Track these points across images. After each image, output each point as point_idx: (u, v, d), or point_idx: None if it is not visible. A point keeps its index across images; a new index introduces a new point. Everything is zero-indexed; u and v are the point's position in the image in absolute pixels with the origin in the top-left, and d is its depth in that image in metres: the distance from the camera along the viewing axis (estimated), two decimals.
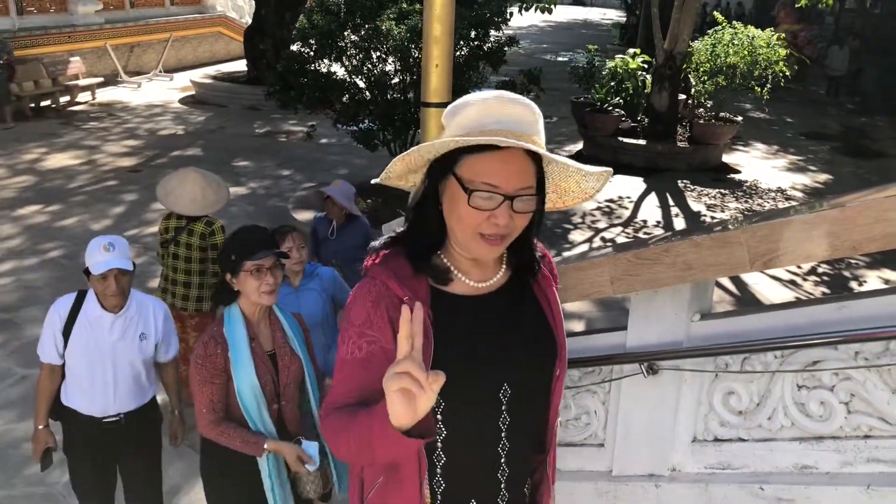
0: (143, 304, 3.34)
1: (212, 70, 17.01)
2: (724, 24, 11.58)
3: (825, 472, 2.72)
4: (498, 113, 1.53)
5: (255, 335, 2.92)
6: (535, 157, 1.57)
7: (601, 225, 8.80)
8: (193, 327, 4.62)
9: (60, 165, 10.05)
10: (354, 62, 7.71)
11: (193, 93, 15.17)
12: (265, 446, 2.89)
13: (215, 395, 2.85)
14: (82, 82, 14.03)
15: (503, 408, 1.67)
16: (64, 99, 13.60)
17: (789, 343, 2.69)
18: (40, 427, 3.31)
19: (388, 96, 7.68)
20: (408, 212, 1.76)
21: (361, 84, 7.84)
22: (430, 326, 1.56)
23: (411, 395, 1.32)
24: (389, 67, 7.69)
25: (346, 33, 7.57)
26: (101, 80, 14.73)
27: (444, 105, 3.54)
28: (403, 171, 1.77)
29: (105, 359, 3.19)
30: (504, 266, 1.76)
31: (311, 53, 7.69)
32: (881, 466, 2.62)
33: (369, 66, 7.68)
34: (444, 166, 1.59)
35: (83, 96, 14.12)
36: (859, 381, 2.61)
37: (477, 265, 1.70)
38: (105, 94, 14.73)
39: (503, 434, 1.68)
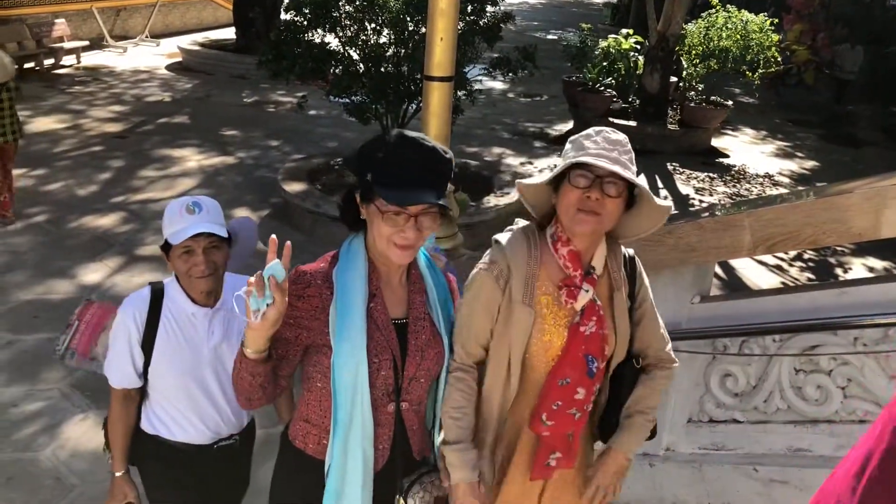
0: (238, 288, 2.28)
1: (199, 37, 16.74)
2: (717, 7, 11.56)
3: (819, 455, 2.76)
4: None
5: (377, 290, 1.96)
6: None
7: None
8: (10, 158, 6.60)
9: (45, 129, 9.88)
10: (348, 33, 7.62)
11: (180, 59, 14.95)
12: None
13: (274, 350, 1.90)
14: (67, 45, 13.78)
15: None
16: (48, 62, 13.36)
17: (789, 327, 2.72)
18: (118, 474, 2.48)
19: (382, 69, 7.60)
20: None
21: (355, 56, 7.76)
22: None
23: None
24: (384, 40, 7.60)
25: (340, 3, 7.47)
26: (86, 43, 14.47)
27: (448, 79, 3.51)
28: None
29: (206, 369, 2.39)
30: None
31: (305, 23, 7.59)
32: None
33: (363, 37, 7.60)
34: None
35: (68, 59, 13.87)
36: (857, 366, 2.65)
37: None
38: (90, 58, 14.48)
39: None
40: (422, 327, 1.99)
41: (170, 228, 2.28)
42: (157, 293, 2.37)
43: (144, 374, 2.38)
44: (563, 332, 2.05)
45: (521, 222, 2.21)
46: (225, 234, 2.32)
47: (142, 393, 2.45)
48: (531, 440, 2.15)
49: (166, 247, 2.31)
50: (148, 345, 2.33)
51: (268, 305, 1.70)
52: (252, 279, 1.71)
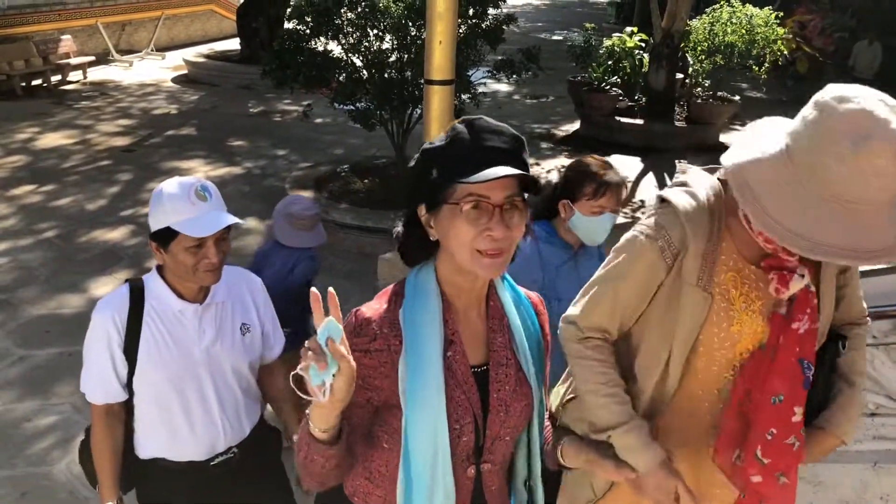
0: (233, 281, 2.22)
1: (204, 49, 16.82)
2: (721, 3, 11.51)
3: None
4: None
5: (455, 334, 1.55)
6: None
7: None
8: None
9: (54, 145, 9.95)
10: (351, 40, 7.63)
11: (186, 72, 15.02)
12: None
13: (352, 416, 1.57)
14: (73, 61, 13.85)
15: None
16: (55, 78, 13.43)
17: None
18: None
19: (386, 75, 7.61)
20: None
21: (358, 62, 7.78)
22: None
23: None
24: (386, 45, 7.62)
25: (342, 10, 7.49)
26: (92, 58, 14.55)
27: (448, 82, 3.50)
28: None
29: (199, 373, 2.13)
30: None
31: (308, 31, 7.61)
32: (888, 444, 2.63)
33: (366, 44, 7.61)
34: None
35: (74, 75, 13.96)
36: (867, 359, 2.62)
37: None
38: (96, 73, 14.58)
39: None
40: (505, 376, 1.58)
41: (176, 216, 1.98)
42: (137, 291, 2.10)
43: (129, 386, 2.11)
44: (757, 320, 1.63)
45: (692, 170, 1.72)
46: (238, 220, 2.08)
47: (127, 408, 2.18)
48: (698, 469, 1.75)
49: (164, 236, 2.01)
50: (131, 351, 2.05)
51: (333, 376, 1.31)
52: (307, 349, 1.31)
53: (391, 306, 1.55)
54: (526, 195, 1.48)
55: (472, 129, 1.45)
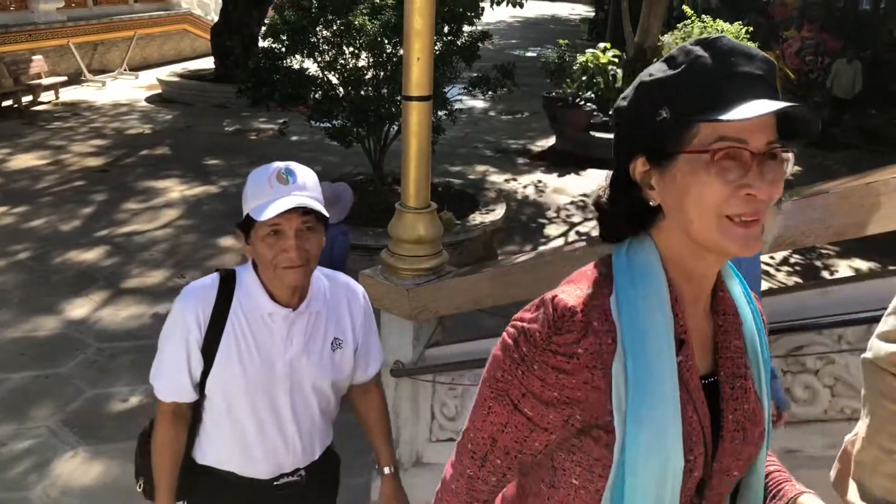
0: (333, 289, 2.00)
1: (178, 68, 16.79)
2: (693, 18, 11.70)
3: (810, 456, 2.76)
4: None
5: (686, 331, 1.12)
6: None
7: (576, 219, 8.85)
8: None
9: (26, 166, 9.85)
10: (327, 58, 7.66)
11: (160, 91, 14.95)
12: None
13: (512, 447, 1.16)
14: (45, 81, 13.74)
15: None
16: (26, 99, 13.32)
17: (774, 328, 2.73)
18: None
19: (362, 92, 7.64)
20: None
21: (334, 80, 7.80)
22: None
23: None
24: (362, 63, 7.65)
25: (317, 29, 7.52)
26: (64, 79, 14.44)
27: (426, 98, 3.53)
28: None
29: (277, 386, 1.92)
30: None
31: (283, 49, 7.63)
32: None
33: (342, 61, 7.64)
34: None
35: (46, 96, 13.83)
36: (842, 364, 2.66)
37: None
38: (69, 94, 14.46)
39: None
40: (743, 391, 1.18)
41: (254, 201, 1.78)
42: (227, 284, 1.88)
43: (201, 387, 1.92)
44: None
45: None
46: (325, 212, 1.80)
47: (195, 410, 1.98)
48: None
49: (247, 225, 1.81)
50: (210, 350, 1.85)
51: None
52: None
53: (598, 291, 1.12)
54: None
55: (714, 51, 1.06)
